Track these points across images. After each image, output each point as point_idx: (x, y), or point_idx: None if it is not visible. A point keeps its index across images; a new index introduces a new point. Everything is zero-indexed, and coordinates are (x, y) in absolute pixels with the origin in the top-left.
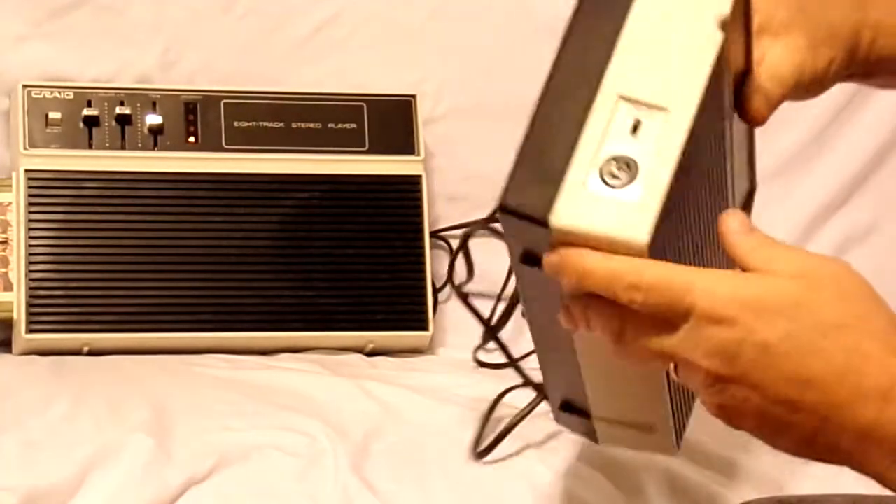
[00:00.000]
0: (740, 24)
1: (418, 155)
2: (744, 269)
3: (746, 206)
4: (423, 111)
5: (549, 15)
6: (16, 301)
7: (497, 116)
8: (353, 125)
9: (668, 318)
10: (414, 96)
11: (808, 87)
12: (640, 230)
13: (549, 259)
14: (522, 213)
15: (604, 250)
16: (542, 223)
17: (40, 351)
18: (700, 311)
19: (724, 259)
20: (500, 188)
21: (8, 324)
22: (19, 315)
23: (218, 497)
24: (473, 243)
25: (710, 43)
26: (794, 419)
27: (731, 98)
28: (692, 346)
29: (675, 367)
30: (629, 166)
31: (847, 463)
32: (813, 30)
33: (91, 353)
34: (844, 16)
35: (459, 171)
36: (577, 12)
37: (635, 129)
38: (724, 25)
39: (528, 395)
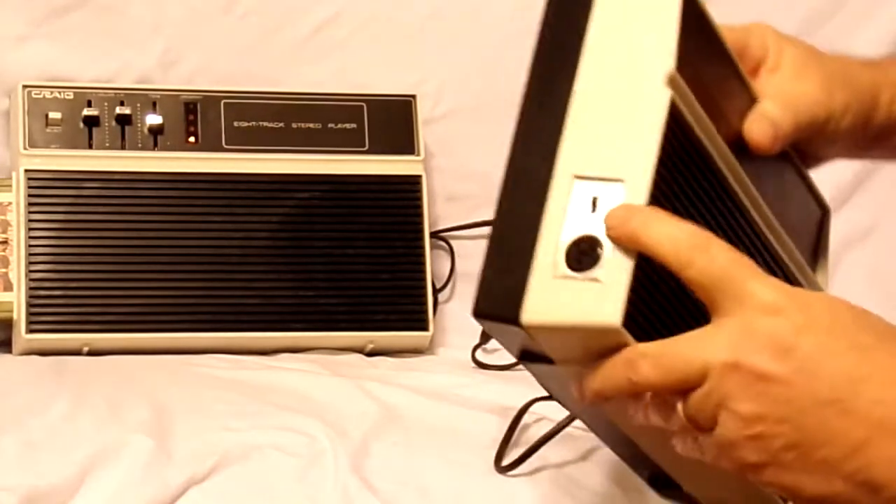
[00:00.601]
0: (724, 67)
1: (418, 155)
2: None
3: (819, 240)
4: (423, 111)
5: None
6: (16, 301)
7: (497, 116)
8: (353, 125)
9: (715, 301)
10: (414, 96)
11: (822, 127)
12: (610, 313)
13: (618, 214)
14: (495, 316)
15: (579, 339)
16: (516, 323)
17: (40, 351)
18: (758, 301)
19: None
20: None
21: (8, 324)
22: (19, 315)
23: (218, 497)
24: (475, 244)
25: (658, 103)
26: (839, 426)
27: (723, 139)
28: (742, 340)
29: (687, 410)
30: (592, 247)
31: (875, 493)
32: (829, 75)
33: (91, 353)
34: (861, 70)
35: (459, 171)
36: (528, 88)
37: (594, 205)
38: (672, 82)
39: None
